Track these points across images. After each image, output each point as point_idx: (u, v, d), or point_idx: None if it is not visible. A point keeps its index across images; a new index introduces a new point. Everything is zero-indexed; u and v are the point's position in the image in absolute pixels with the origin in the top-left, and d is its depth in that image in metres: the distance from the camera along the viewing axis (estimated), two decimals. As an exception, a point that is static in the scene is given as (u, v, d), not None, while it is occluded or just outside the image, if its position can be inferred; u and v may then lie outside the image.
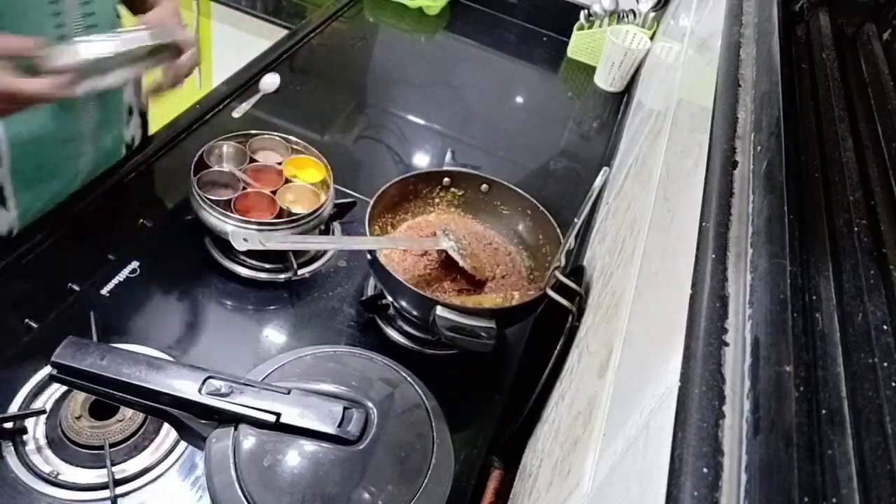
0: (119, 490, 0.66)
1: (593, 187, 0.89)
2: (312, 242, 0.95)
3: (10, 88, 0.65)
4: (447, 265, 0.91)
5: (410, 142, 1.31)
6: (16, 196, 0.87)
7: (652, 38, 1.51)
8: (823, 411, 0.29)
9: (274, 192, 0.93)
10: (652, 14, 1.52)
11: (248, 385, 0.60)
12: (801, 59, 0.56)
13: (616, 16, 1.58)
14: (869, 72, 0.53)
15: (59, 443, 0.68)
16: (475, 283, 0.90)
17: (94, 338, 0.78)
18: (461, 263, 0.88)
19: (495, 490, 0.75)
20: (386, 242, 0.91)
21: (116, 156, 1.02)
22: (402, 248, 0.92)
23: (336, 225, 1.03)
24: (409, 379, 0.68)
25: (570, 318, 0.74)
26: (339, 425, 0.58)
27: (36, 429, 0.69)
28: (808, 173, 0.43)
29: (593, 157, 1.36)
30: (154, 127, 1.11)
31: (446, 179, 0.99)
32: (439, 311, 0.76)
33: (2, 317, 0.80)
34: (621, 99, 1.55)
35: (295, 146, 1.01)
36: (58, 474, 0.66)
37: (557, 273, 0.77)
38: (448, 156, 1.04)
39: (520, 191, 0.97)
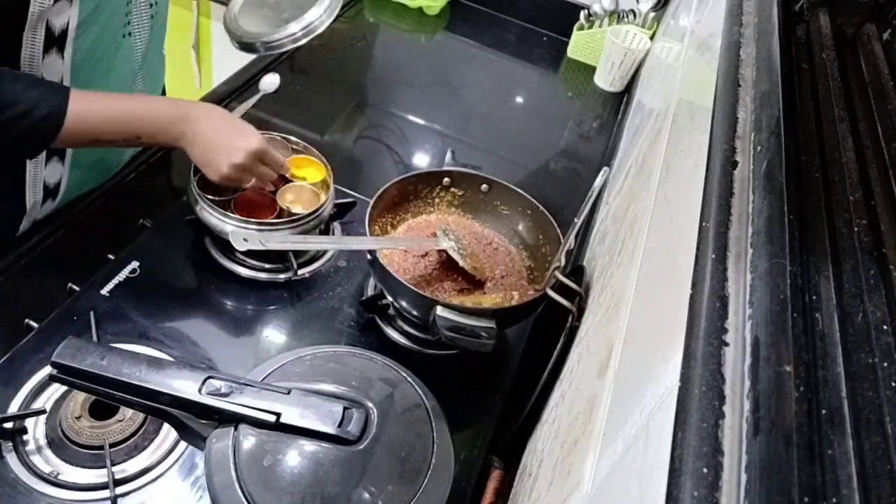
0: (119, 490, 0.66)
1: (593, 187, 0.89)
2: (312, 242, 0.95)
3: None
4: (447, 265, 0.91)
5: (410, 142, 1.31)
6: (67, 187, 0.89)
7: (652, 38, 1.51)
8: (823, 411, 0.29)
9: (274, 192, 0.94)
10: (652, 14, 1.52)
11: (248, 385, 0.60)
12: (801, 59, 0.56)
13: (616, 16, 1.58)
14: (869, 72, 0.53)
15: (59, 443, 0.68)
16: (475, 283, 0.90)
17: (94, 338, 0.78)
18: (461, 263, 0.88)
19: (495, 490, 0.75)
20: (386, 242, 0.91)
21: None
22: (403, 248, 0.92)
23: (336, 225, 1.03)
24: (409, 379, 0.68)
25: (570, 318, 0.74)
26: (339, 425, 0.59)
27: (36, 429, 0.69)
28: (808, 173, 0.43)
29: (593, 157, 1.36)
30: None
31: (446, 179, 0.99)
32: (439, 311, 0.76)
33: (2, 317, 0.80)
34: (621, 99, 1.54)
35: (295, 146, 1.01)
36: (58, 474, 0.66)
37: (557, 273, 0.77)
38: (448, 156, 1.04)
39: (520, 191, 0.97)
